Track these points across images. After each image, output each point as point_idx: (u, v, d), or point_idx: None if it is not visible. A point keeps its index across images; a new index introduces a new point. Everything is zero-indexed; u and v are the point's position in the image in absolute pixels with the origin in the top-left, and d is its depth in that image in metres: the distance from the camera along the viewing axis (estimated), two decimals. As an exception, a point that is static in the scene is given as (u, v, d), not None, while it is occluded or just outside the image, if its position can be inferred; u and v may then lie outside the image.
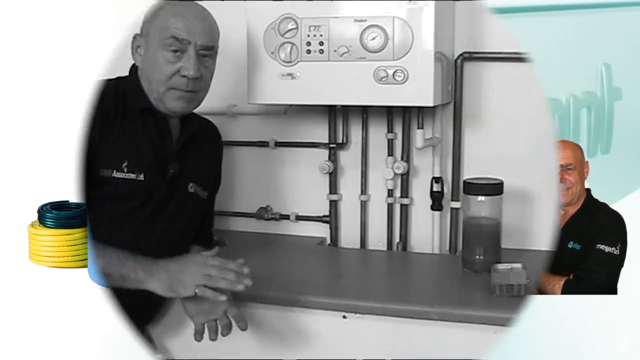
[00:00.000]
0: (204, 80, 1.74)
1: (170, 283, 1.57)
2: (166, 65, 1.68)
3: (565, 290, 1.90)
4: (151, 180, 1.69)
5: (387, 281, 2.01)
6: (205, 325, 1.64)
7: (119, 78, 1.77)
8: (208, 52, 1.73)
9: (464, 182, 2.00)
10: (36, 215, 1.75)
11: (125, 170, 1.65)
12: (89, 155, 1.61)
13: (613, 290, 1.88)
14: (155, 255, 1.69)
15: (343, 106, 2.24)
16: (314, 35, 1.95)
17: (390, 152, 2.25)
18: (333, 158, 2.30)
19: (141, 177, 1.67)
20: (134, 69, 1.77)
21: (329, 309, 1.76)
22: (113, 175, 1.64)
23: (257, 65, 2.02)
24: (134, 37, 1.75)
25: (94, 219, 1.64)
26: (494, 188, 1.95)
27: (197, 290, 1.55)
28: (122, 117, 1.67)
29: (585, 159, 2.05)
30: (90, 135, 1.61)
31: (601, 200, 2.04)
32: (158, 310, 1.83)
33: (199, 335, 1.65)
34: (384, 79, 1.92)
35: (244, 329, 1.65)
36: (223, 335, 1.64)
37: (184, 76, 1.68)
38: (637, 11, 2.44)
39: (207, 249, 1.92)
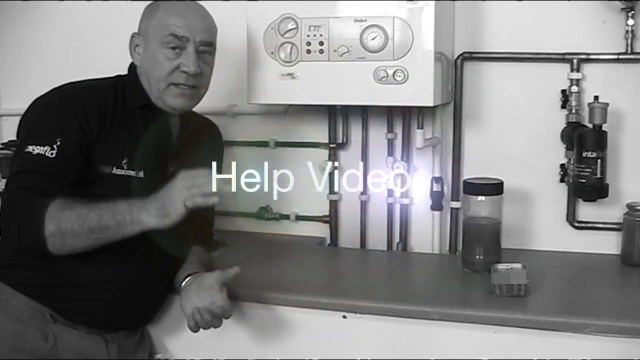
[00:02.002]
0: (203, 76, 1.74)
1: (162, 208, 1.53)
2: (166, 62, 1.69)
3: None
4: (151, 177, 1.69)
5: (387, 281, 2.01)
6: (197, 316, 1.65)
7: (117, 76, 1.77)
8: (207, 49, 1.73)
9: (464, 182, 2.00)
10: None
11: (125, 167, 1.65)
12: (88, 153, 1.61)
13: None
14: (154, 255, 1.69)
15: (343, 106, 2.24)
16: (314, 35, 1.95)
17: (390, 152, 2.25)
18: (333, 158, 2.30)
19: (141, 174, 1.67)
20: (132, 67, 1.77)
21: (329, 309, 1.76)
22: (113, 172, 1.64)
23: (257, 65, 2.02)
24: (132, 36, 1.76)
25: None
26: (494, 188, 1.95)
27: (186, 204, 1.51)
28: (121, 114, 1.68)
29: None
30: (89, 133, 1.62)
31: None
32: (158, 310, 1.83)
33: (192, 324, 1.64)
34: (384, 79, 1.91)
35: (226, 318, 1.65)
36: (215, 327, 1.65)
37: (183, 72, 1.69)
38: None
39: (208, 249, 1.93)
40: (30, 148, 1.58)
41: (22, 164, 1.59)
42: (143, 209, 1.54)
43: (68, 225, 1.53)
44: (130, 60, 1.77)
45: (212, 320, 1.65)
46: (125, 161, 1.65)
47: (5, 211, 1.59)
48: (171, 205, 1.52)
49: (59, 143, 1.59)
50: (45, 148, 1.58)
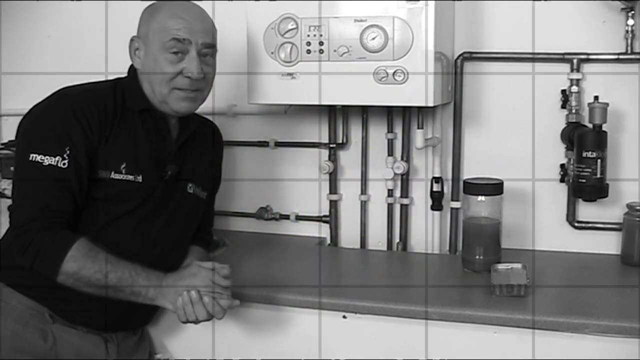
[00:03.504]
0: (206, 79, 1.74)
1: (177, 295, 1.59)
2: (168, 66, 1.67)
3: None
4: (149, 181, 1.68)
5: (387, 281, 2.01)
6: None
7: (117, 79, 1.76)
8: (209, 51, 1.72)
9: (464, 182, 2.00)
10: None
11: (124, 171, 1.65)
12: (87, 157, 1.61)
13: None
14: (154, 255, 1.69)
15: (343, 106, 2.24)
16: (314, 35, 1.95)
17: (390, 152, 2.25)
18: (333, 158, 2.30)
19: (139, 178, 1.67)
20: (132, 70, 1.76)
21: (329, 309, 1.76)
22: (111, 177, 1.64)
23: (257, 65, 2.02)
24: (132, 40, 1.74)
25: (91, 220, 1.64)
26: (494, 188, 1.95)
27: (204, 300, 1.59)
28: (120, 118, 1.67)
29: None
30: (92, 138, 1.61)
31: None
32: (157, 311, 1.83)
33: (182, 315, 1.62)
34: (384, 79, 1.91)
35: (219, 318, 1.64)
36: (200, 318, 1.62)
37: (187, 77, 1.68)
38: None
39: (207, 250, 1.93)
40: (38, 157, 1.57)
41: (32, 175, 1.58)
42: (160, 294, 1.60)
43: (87, 274, 1.55)
44: (130, 63, 1.76)
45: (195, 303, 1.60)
46: (123, 166, 1.65)
47: (22, 232, 1.57)
48: (187, 296, 1.58)
49: (68, 152, 1.58)
50: (57, 158, 1.57)
